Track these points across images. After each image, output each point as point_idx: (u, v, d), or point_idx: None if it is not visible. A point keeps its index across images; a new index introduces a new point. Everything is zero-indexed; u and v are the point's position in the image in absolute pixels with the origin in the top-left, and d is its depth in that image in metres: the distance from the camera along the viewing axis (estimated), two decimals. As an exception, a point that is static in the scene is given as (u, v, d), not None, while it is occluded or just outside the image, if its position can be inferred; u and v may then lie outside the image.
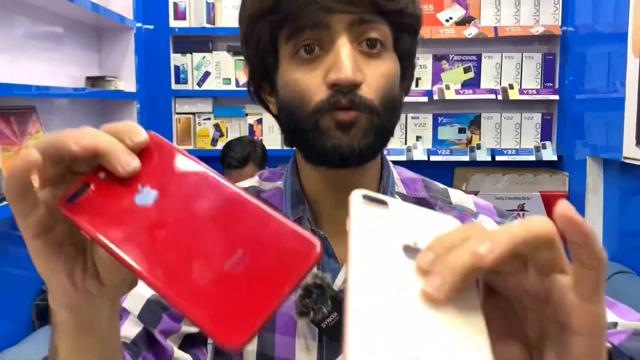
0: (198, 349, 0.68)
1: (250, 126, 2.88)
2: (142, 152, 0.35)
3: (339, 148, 0.59)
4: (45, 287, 2.12)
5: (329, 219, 0.69)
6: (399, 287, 0.29)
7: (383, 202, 0.34)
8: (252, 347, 0.68)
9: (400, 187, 0.72)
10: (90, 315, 0.41)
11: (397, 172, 0.73)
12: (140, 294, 0.64)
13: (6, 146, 1.63)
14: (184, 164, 0.35)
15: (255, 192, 0.73)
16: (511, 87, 2.77)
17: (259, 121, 2.87)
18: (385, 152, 0.71)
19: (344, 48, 0.58)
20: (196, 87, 2.87)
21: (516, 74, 2.80)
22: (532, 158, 2.77)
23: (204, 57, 2.85)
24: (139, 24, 2.69)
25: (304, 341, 0.67)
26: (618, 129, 2.21)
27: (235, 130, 2.88)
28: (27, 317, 1.95)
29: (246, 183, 0.76)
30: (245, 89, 3.01)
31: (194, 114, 2.91)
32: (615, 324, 0.57)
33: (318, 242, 0.31)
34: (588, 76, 2.57)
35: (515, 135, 2.83)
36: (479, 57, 2.79)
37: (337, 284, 0.66)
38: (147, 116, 2.80)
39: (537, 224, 0.30)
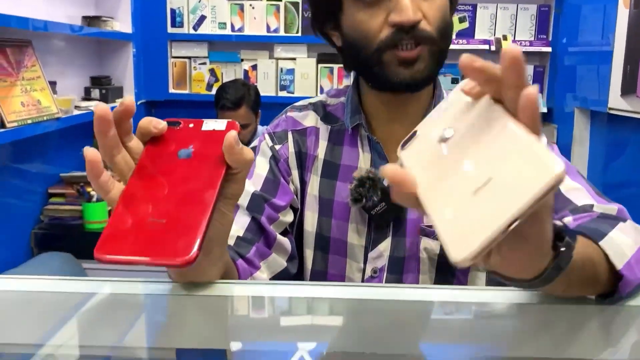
0: (290, 234, 0.82)
1: (245, 72, 2.90)
2: (170, 130, 0.49)
3: (404, 81, 0.71)
4: (43, 217, 2.19)
5: (382, 129, 0.81)
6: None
7: (414, 135, 0.42)
8: (311, 229, 0.82)
9: None
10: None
11: (445, 93, 0.84)
12: (247, 191, 0.77)
13: (2, 77, 1.68)
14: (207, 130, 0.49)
15: (322, 105, 0.86)
16: (505, 38, 2.79)
17: (254, 67, 2.90)
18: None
19: None
20: (192, 31, 2.88)
21: (510, 25, 2.81)
22: (522, 110, 2.80)
23: (200, 1, 2.86)
24: (135, -35, 2.69)
25: (355, 225, 0.80)
26: (605, 81, 2.25)
27: (230, 75, 2.91)
28: (27, 244, 2.04)
29: (315, 99, 0.88)
30: (240, 33, 3.00)
31: (189, 58, 2.93)
32: (592, 206, 0.67)
33: None
34: (582, 29, 2.59)
35: (507, 86, 2.86)
36: (474, 7, 2.80)
37: (386, 180, 0.77)
38: (144, 59, 2.83)
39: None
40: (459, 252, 0.32)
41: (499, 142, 0.34)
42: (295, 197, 0.81)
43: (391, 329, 0.53)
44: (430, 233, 0.77)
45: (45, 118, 1.82)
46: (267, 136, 0.84)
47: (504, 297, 0.56)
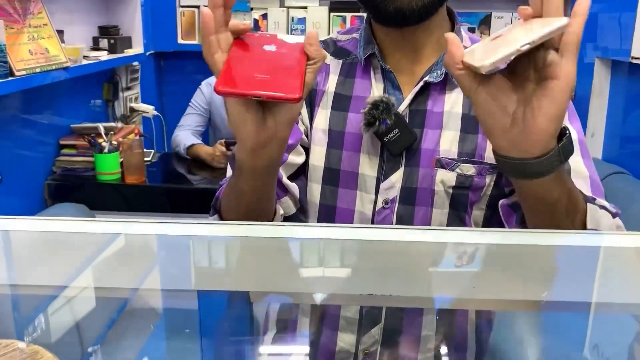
0: (299, 180, 0.81)
1: (255, 21, 2.83)
2: (251, 35, 0.57)
3: (400, 10, 0.69)
4: (55, 168, 2.19)
5: (394, 59, 0.79)
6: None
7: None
8: (318, 163, 0.80)
9: (467, 42, 0.80)
10: (265, 159, 0.58)
11: (464, 31, 0.81)
12: None
13: (9, 23, 1.64)
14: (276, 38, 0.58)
15: (332, 42, 0.85)
16: (524, -16, 2.68)
17: (264, 16, 2.83)
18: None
19: None
20: (200, -21, 2.80)
21: (531, -30, 2.70)
22: (540, 60, 2.73)
23: (208, -53, 2.76)
24: None
25: (367, 155, 0.78)
26: (629, 28, 2.17)
27: (240, 25, 2.84)
28: (40, 195, 2.05)
29: (325, 37, 0.86)
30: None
31: (198, 7, 2.86)
32: (594, 199, 0.68)
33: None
34: (605, -26, 2.48)
35: (525, 36, 2.78)
36: (493, -49, 2.69)
37: (400, 109, 0.77)
38: (151, 9, 2.76)
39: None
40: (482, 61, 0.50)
41: (538, 23, 0.51)
42: (305, 136, 0.80)
43: (402, 271, 0.52)
44: (446, 164, 0.75)
45: (54, 67, 1.78)
46: None
47: (514, 239, 0.56)
